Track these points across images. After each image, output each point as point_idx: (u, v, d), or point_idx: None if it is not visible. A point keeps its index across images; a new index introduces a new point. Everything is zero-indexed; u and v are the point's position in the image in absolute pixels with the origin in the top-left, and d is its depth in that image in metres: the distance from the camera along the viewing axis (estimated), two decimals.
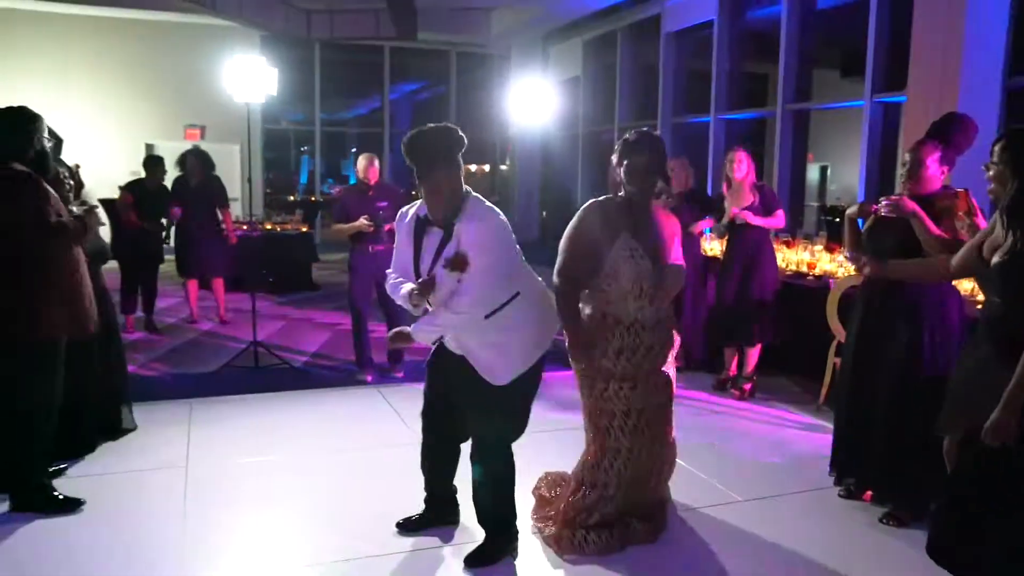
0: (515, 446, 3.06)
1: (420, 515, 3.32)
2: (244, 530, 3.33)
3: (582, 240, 3.01)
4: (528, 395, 3.01)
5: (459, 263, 2.76)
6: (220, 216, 7.30)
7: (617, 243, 2.97)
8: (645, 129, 3.09)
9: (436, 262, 2.84)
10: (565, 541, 3.10)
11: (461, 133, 2.83)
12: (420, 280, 2.87)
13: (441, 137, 2.78)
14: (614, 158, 3.06)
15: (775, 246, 6.16)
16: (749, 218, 5.08)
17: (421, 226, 2.91)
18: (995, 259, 2.43)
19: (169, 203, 7.06)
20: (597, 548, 3.07)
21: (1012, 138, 2.49)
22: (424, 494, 3.32)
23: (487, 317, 2.84)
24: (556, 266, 3.04)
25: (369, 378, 5.54)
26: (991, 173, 2.52)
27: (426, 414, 3.21)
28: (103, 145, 11.88)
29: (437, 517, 3.31)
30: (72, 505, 3.44)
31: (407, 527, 3.29)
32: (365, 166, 5.51)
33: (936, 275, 3.03)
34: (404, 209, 3.03)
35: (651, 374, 3.08)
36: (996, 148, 2.51)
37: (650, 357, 3.06)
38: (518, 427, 3.02)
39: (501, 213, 2.90)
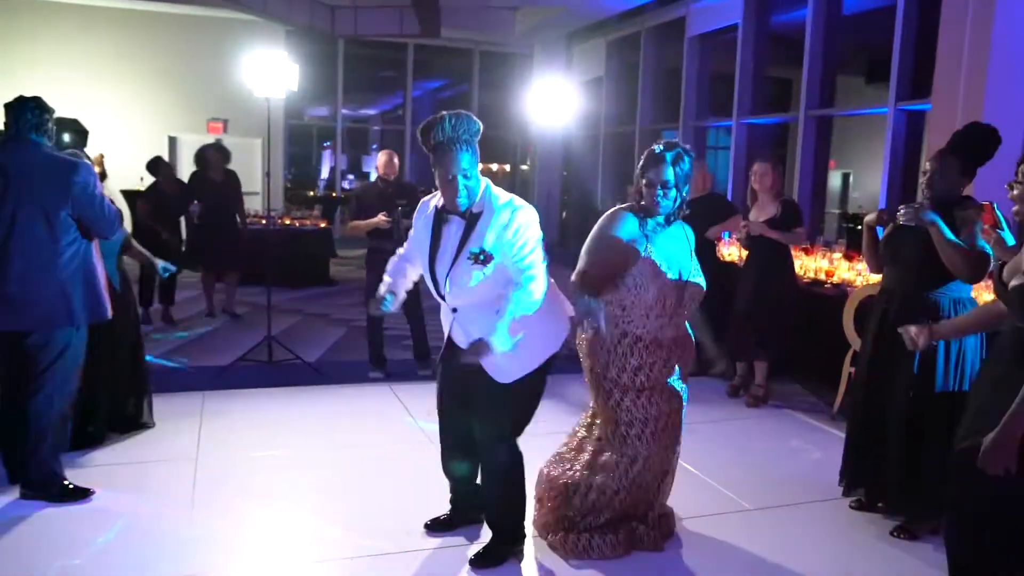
0: (527, 448, 3.03)
1: (447, 516, 3.31)
2: (253, 524, 3.34)
3: (609, 246, 2.96)
4: (534, 395, 2.98)
5: (486, 258, 2.74)
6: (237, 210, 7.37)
7: (644, 257, 2.94)
8: (674, 141, 3.04)
9: (460, 252, 2.80)
10: (570, 545, 3.08)
11: (478, 121, 2.81)
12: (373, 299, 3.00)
13: (457, 124, 2.77)
14: (638, 170, 3.02)
15: (795, 254, 6.12)
16: (764, 231, 5.02)
17: (439, 216, 2.89)
18: (1015, 282, 2.36)
19: (190, 200, 7.12)
20: (601, 552, 3.06)
21: None
22: (449, 495, 3.30)
23: (498, 312, 2.79)
24: (577, 269, 2.98)
25: (381, 376, 5.56)
26: (1015, 192, 2.43)
27: (440, 414, 3.19)
28: (127, 136, 12.00)
29: (462, 517, 3.30)
30: (82, 494, 3.47)
31: (434, 528, 3.28)
32: (385, 162, 5.52)
33: (996, 319, 2.63)
34: (426, 199, 3.01)
35: (667, 384, 3.06)
36: (1021, 167, 2.42)
37: (668, 368, 3.05)
38: (519, 425, 2.99)
39: (526, 203, 2.86)
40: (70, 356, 3.41)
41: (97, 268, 3.47)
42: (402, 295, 3.13)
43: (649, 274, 2.93)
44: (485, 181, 2.85)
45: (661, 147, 2.98)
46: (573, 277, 2.97)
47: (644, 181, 2.97)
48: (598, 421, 3.20)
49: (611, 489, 3.07)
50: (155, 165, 7.30)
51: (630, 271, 2.93)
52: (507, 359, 2.84)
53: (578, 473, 3.14)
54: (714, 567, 3.10)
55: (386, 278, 3.12)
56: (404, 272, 3.16)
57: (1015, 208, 2.44)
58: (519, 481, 3.03)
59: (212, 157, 7.21)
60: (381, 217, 5.27)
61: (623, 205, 3.07)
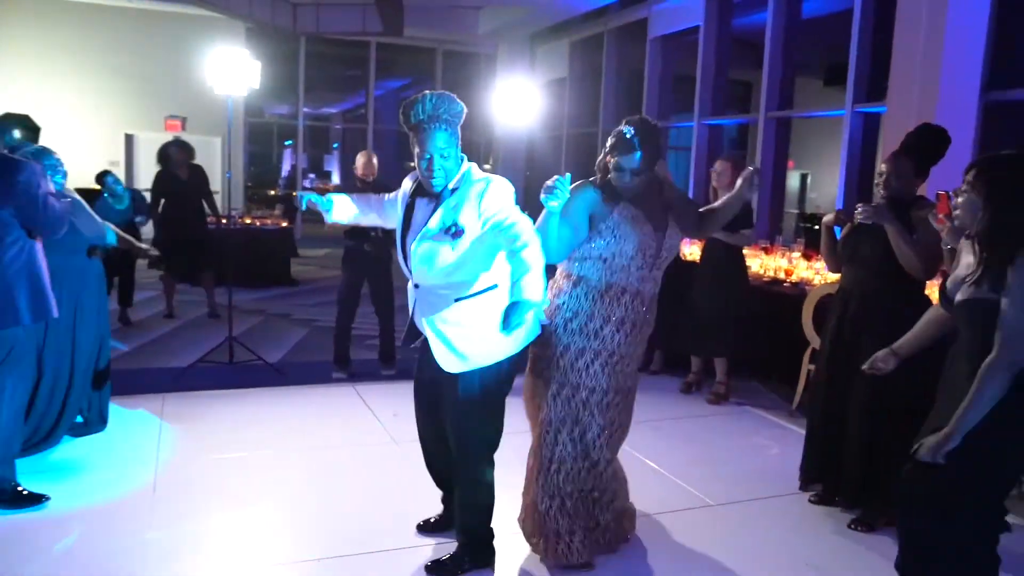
0: (504, 447, 2.98)
1: (439, 516, 3.25)
2: (215, 528, 3.30)
3: (571, 209, 2.89)
4: (491, 397, 2.86)
5: (454, 231, 2.69)
6: (207, 206, 7.27)
7: (618, 209, 2.91)
8: (644, 118, 2.99)
9: (429, 225, 2.73)
10: (551, 549, 2.99)
11: (460, 102, 2.79)
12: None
13: (437, 103, 2.75)
14: (608, 145, 2.97)
15: (754, 253, 6.21)
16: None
17: (417, 190, 2.85)
18: (959, 296, 2.40)
19: (156, 200, 7.05)
20: (580, 555, 2.99)
21: (983, 166, 2.40)
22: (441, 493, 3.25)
23: (457, 300, 2.76)
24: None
25: (344, 376, 5.53)
26: (960, 200, 2.45)
27: (416, 410, 3.13)
28: (83, 134, 11.77)
29: (454, 517, 3.19)
30: (35, 500, 3.38)
31: (426, 528, 3.24)
32: (364, 163, 5.50)
33: (942, 325, 2.73)
34: (414, 174, 2.94)
35: (634, 355, 3.04)
36: (968, 176, 2.43)
37: (642, 335, 3.03)
38: (483, 432, 2.88)
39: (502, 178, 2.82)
40: (15, 358, 3.33)
41: (42, 267, 3.40)
42: (337, 214, 3.05)
43: (625, 224, 2.90)
44: (466, 161, 2.82)
45: (631, 130, 2.91)
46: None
47: (613, 163, 2.92)
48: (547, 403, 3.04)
49: (570, 458, 2.98)
50: (101, 179, 7.15)
51: (602, 225, 2.90)
52: (453, 347, 2.77)
53: (533, 454, 3.07)
54: (680, 561, 3.14)
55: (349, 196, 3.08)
56: (364, 208, 3.12)
57: (956, 213, 2.48)
58: (482, 494, 2.92)
59: (175, 154, 7.10)
60: None
61: (587, 180, 3.03)
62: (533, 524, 3.07)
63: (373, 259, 5.43)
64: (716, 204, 3.25)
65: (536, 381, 3.08)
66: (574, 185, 2.98)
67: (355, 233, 5.35)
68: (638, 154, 2.89)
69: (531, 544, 3.09)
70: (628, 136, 2.91)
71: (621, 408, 3.07)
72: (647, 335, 3.10)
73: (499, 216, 2.68)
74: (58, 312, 3.49)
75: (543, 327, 2.98)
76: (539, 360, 3.06)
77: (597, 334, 2.94)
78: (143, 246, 4.76)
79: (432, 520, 3.27)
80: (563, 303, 2.99)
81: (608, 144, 2.97)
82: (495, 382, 2.86)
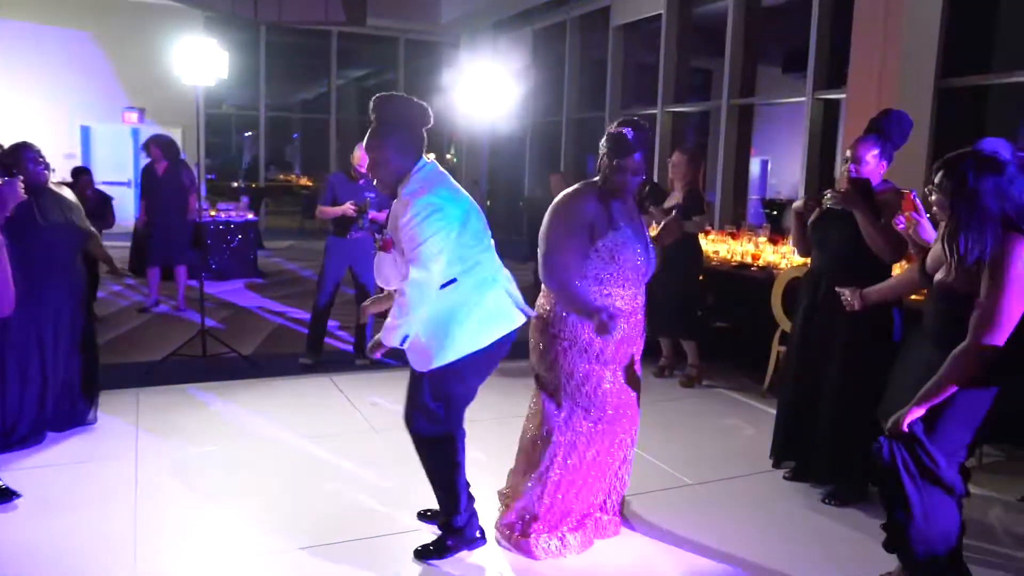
0: (490, 447, 3.00)
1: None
2: (198, 520, 3.30)
3: (577, 225, 2.91)
4: (450, 394, 2.86)
5: (384, 244, 2.74)
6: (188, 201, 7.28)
7: (615, 228, 2.94)
8: (636, 120, 2.98)
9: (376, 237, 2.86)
10: (542, 546, 3.01)
11: (413, 103, 2.79)
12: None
13: (395, 108, 2.77)
14: (602, 148, 2.98)
15: (721, 238, 6.34)
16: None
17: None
18: (939, 276, 2.55)
19: (140, 195, 7.22)
20: (574, 549, 3.04)
21: (949, 168, 2.46)
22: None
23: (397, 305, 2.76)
24: (546, 264, 2.93)
25: (311, 362, 5.54)
26: (933, 198, 2.53)
27: None
28: (38, 126, 11.45)
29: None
30: (7, 496, 3.34)
31: (425, 517, 3.26)
32: (360, 155, 5.49)
33: (911, 287, 3.00)
34: None
35: (630, 363, 3.10)
36: (936, 177, 2.50)
37: (631, 346, 3.09)
38: (429, 422, 2.87)
39: (441, 191, 2.74)
40: None
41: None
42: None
43: (622, 245, 2.93)
44: (421, 164, 2.80)
45: (630, 132, 2.92)
46: (548, 279, 2.94)
47: (614, 165, 2.93)
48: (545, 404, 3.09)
49: (573, 466, 3.02)
50: (74, 176, 7.13)
51: (601, 241, 2.93)
52: (419, 345, 2.77)
53: (536, 465, 3.06)
54: (659, 539, 3.22)
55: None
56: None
57: (934, 210, 2.57)
58: (447, 477, 2.94)
59: (152, 151, 7.14)
60: (349, 206, 5.32)
61: (586, 182, 3.05)
62: (521, 519, 3.08)
63: (356, 248, 5.47)
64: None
65: (542, 398, 3.09)
66: (574, 189, 3.01)
67: (343, 222, 5.41)
68: (639, 154, 2.92)
69: (511, 539, 3.09)
70: (629, 138, 2.91)
71: (625, 416, 3.10)
72: (639, 344, 3.15)
73: (408, 244, 2.67)
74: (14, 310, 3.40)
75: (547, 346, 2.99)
76: (545, 381, 3.07)
77: (601, 355, 2.98)
78: (116, 265, 4.80)
79: (432, 511, 3.24)
80: (563, 324, 2.98)
81: (605, 146, 2.97)
82: (455, 380, 2.84)
